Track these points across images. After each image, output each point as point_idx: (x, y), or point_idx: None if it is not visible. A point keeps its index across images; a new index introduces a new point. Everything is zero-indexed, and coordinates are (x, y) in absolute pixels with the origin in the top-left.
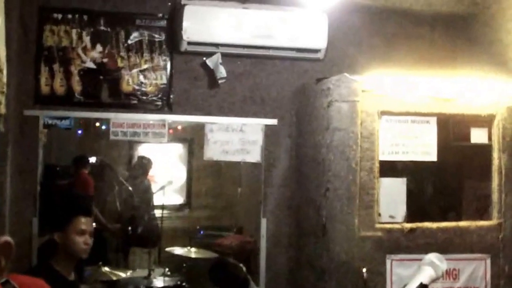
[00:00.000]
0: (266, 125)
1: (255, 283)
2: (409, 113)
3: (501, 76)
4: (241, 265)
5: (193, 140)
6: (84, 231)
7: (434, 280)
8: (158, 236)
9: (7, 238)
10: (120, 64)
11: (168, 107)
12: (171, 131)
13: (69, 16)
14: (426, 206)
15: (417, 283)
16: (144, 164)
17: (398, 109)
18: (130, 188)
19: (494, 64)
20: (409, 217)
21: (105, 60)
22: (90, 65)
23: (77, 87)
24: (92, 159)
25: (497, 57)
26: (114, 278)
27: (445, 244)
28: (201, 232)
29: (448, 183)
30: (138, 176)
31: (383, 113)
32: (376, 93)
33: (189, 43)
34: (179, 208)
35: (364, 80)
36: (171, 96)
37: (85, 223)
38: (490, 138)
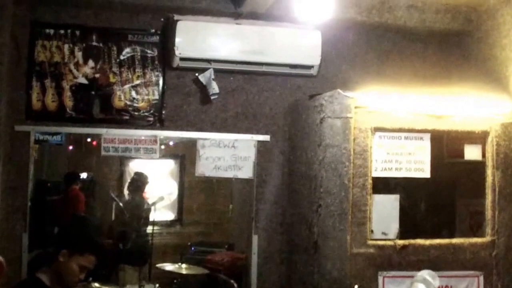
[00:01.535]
0: (259, 141)
1: None
2: (403, 129)
3: (495, 93)
4: (232, 281)
5: (184, 156)
6: (86, 268)
7: None
8: (149, 253)
9: None
10: (112, 79)
11: (160, 122)
12: (163, 147)
13: (61, 31)
14: (419, 223)
15: None
16: (141, 180)
17: (391, 125)
18: (121, 204)
19: (488, 81)
20: (402, 234)
21: (97, 75)
22: (82, 80)
23: (68, 102)
24: (83, 175)
25: (491, 74)
26: None
27: (438, 261)
28: (192, 248)
29: (442, 199)
30: (134, 192)
31: (376, 129)
32: (369, 110)
33: (182, 59)
34: (170, 224)
35: (357, 96)
36: (163, 112)
37: (91, 263)
38: (484, 155)
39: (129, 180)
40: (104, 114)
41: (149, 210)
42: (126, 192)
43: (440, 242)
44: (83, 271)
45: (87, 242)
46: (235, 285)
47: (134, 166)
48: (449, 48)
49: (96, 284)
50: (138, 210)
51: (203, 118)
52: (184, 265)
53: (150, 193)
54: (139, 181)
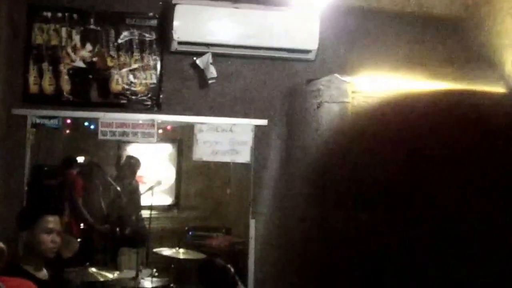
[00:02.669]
0: (256, 126)
1: (244, 284)
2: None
3: (491, 80)
4: (229, 266)
5: (182, 140)
6: (52, 230)
7: None
8: (146, 237)
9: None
10: (109, 63)
11: (157, 107)
12: (160, 131)
13: (59, 14)
14: None
15: None
16: (132, 164)
17: (388, 109)
18: (118, 189)
19: (485, 65)
20: None
21: (94, 59)
22: (80, 64)
23: (66, 86)
24: (81, 159)
25: (486, 60)
26: (101, 279)
27: None
28: (190, 233)
29: None
30: (126, 176)
31: (374, 115)
32: (367, 94)
33: (180, 42)
34: (167, 208)
35: (355, 81)
36: (161, 96)
37: (52, 222)
38: None
39: (121, 164)
40: (102, 98)
41: (140, 194)
42: (118, 176)
43: None
44: (50, 233)
45: (30, 211)
46: (232, 269)
47: (132, 150)
48: (446, 34)
49: (94, 269)
50: (135, 195)
51: (201, 102)
52: (181, 250)
53: (147, 178)
54: (130, 165)
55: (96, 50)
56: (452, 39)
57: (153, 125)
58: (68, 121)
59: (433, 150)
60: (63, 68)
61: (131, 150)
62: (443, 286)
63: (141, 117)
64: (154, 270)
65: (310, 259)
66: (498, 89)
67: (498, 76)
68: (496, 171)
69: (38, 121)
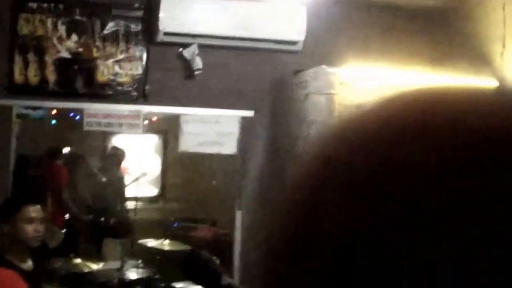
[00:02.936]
0: (243, 117)
1: (229, 275)
2: None
3: (479, 71)
4: (214, 257)
5: (168, 131)
6: (33, 219)
7: None
8: (131, 228)
9: None
10: (95, 54)
11: (143, 98)
12: (146, 122)
13: (45, 5)
14: None
15: None
16: (118, 155)
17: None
18: (103, 179)
19: (473, 57)
20: None
21: (80, 50)
22: (65, 54)
23: (51, 76)
24: (66, 150)
25: (475, 51)
26: (86, 270)
27: None
28: (175, 224)
29: None
30: (111, 167)
31: (361, 105)
32: (354, 86)
33: (166, 33)
34: (153, 199)
35: (342, 72)
36: (147, 87)
37: (34, 211)
38: None
39: (106, 155)
40: (87, 88)
41: (124, 185)
42: (103, 166)
43: None
44: (32, 223)
45: (10, 202)
46: (217, 260)
47: (117, 141)
48: (435, 24)
49: (78, 260)
50: (119, 185)
51: (187, 94)
52: (166, 241)
53: (132, 169)
54: (116, 156)
55: (81, 40)
56: (441, 30)
57: (138, 116)
58: (54, 111)
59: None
60: (49, 59)
61: (117, 141)
62: (414, 263)
63: (127, 108)
64: (139, 261)
65: (296, 251)
66: (488, 83)
67: (486, 67)
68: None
69: (23, 111)
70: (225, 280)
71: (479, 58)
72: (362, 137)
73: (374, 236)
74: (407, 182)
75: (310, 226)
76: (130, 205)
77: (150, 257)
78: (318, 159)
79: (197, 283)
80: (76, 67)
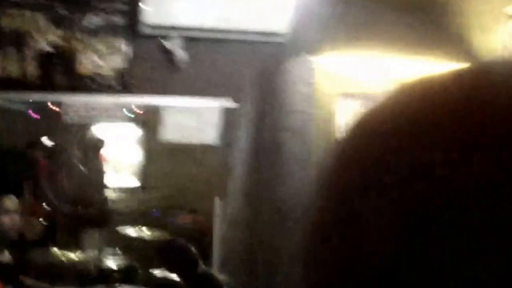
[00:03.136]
0: (225, 108)
1: (209, 264)
2: (369, 95)
3: (462, 58)
4: (191, 246)
5: (149, 122)
6: (8, 211)
7: None
8: (110, 217)
9: None
10: (76, 47)
11: (126, 90)
12: (127, 113)
13: None
14: None
15: None
16: (97, 145)
17: (357, 91)
18: (83, 170)
19: (454, 47)
20: None
21: (61, 43)
22: (46, 48)
23: (32, 70)
24: (46, 142)
25: (457, 41)
26: (65, 260)
27: None
28: (155, 213)
29: None
30: (90, 157)
31: (342, 95)
32: (335, 75)
33: (148, 26)
34: (133, 189)
35: (323, 62)
36: (128, 79)
37: (9, 203)
38: None
39: (85, 145)
40: (69, 82)
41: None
42: (82, 157)
43: None
44: (8, 214)
45: None
46: (194, 249)
47: (98, 132)
48: (417, 14)
49: (57, 250)
50: (99, 175)
51: (169, 85)
52: (145, 229)
53: (113, 159)
54: (95, 146)
55: (62, 34)
56: (423, 19)
57: (119, 108)
58: (34, 104)
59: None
60: (29, 52)
61: (97, 131)
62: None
63: (108, 100)
64: (118, 250)
65: (276, 240)
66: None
67: (468, 55)
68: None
69: (3, 104)
70: (201, 268)
71: (460, 46)
72: (395, 135)
73: (420, 256)
74: (454, 191)
75: (344, 242)
76: (111, 194)
77: (129, 245)
78: (348, 160)
79: (173, 271)
80: (57, 60)
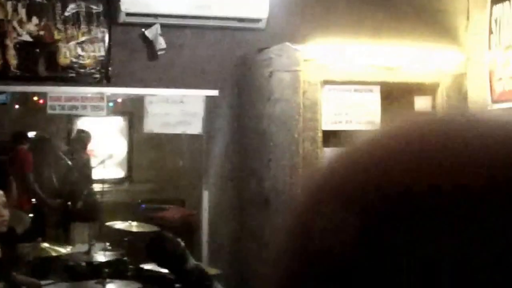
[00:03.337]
0: (207, 97)
1: (197, 256)
2: (352, 82)
3: (447, 45)
4: (179, 239)
5: (133, 113)
6: None
7: None
8: (99, 211)
9: None
10: (57, 36)
11: (106, 79)
12: (110, 104)
13: None
14: None
15: None
16: (83, 138)
17: (341, 78)
18: (69, 163)
19: (439, 33)
20: None
21: (41, 33)
22: (26, 38)
23: (13, 60)
24: (31, 134)
25: (441, 26)
26: (54, 254)
27: None
28: (143, 206)
29: None
30: (77, 150)
31: (326, 82)
32: (319, 62)
33: (128, 14)
34: (120, 181)
35: (306, 49)
36: (110, 69)
37: None
38: (433, 107)
39: (71, 138)
40: (50, 72)
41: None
42: (69, 150)
43: None
44: None
45: None
46: (182, 243)
47: (82, 124)
48: (398, 1)
49: (46, 244)
50: (86, 168)
51: (150, 74)
52: (134, 223)
53: (98, 151)
54: (81, 139)
55: (42, 23)
56: (406, 4)
57: (102, 98)
58: (17, 96)
59: None
60: (9, 43)
61: (82, 123)
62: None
63: (90, 91)
64: (107, 244)
65: (263, 229)
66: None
67: (452, 40)
68: None
69: None
70: (191, 264)
71: (444, 32)
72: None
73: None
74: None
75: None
76: (97, 187)
77: (118, 239)
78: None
79: (162, 265)
80: (37, 50)
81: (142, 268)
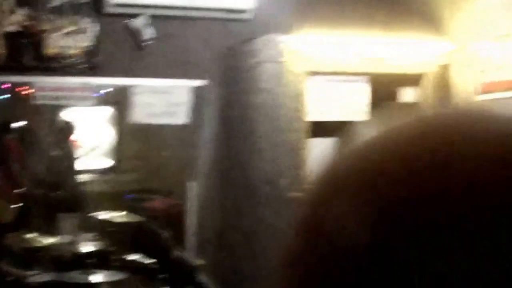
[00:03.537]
0: (194, 87)
1: (183, 246)
2: (338, 72)
3: (431, 35)
4: (162, 230)
5: (119, 103)
6: None
7: None
8: (84, 201)
9: None
10: (43, 27)
11: (93, 70)
12: (96, 94)
13: None
14: None
15: None
16: (68, 128)
17: (326, 69)
18: (55, 153)
19: (426, 24)
20: None
21: (28, 23)
22: (13, 28)
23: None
24: (16, 125)
25: (427, 17)
26: (39, 245)
27: None
28: (129, 196)
29: None
30: (61, 140)
31: (312, 73)
32: (304, 53)
33: (115, 4)
34: (106, 171)
35: (292, 40)
36: (96, 59)
37: None
38: (420, 97)
39: (56, 128)
40: (36, 62)
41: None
42: (54, 140)
43: None
44: None
45: None
46: (167, 233)
47: (68, 114)
48: None
49: (31, 235)
50: (70, 159)
51: (138, 65)
52: (120, 213)
53: (84, 141)
54: (66, 129)
55: (29, 14)
56: None
57: (88, 89)
58: (2, 86)
59: None
60: None
61: (67, 114)
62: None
63: (77, 81)
64: (93, 234)
65: (250, 220)
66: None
67: (440, 29)
68: None
69: None
70: (175, 254)
71: (430, 22)
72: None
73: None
74: None
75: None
76: (83, 177)
77: (104, 229)
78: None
79: (147, 255)
80: (24, 40)
81: (127, 259)
